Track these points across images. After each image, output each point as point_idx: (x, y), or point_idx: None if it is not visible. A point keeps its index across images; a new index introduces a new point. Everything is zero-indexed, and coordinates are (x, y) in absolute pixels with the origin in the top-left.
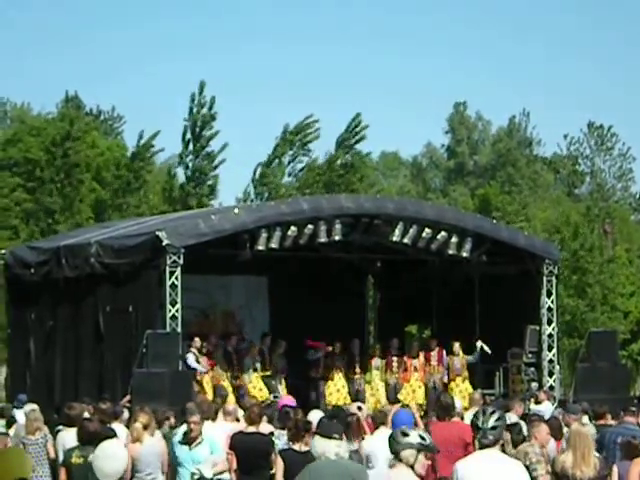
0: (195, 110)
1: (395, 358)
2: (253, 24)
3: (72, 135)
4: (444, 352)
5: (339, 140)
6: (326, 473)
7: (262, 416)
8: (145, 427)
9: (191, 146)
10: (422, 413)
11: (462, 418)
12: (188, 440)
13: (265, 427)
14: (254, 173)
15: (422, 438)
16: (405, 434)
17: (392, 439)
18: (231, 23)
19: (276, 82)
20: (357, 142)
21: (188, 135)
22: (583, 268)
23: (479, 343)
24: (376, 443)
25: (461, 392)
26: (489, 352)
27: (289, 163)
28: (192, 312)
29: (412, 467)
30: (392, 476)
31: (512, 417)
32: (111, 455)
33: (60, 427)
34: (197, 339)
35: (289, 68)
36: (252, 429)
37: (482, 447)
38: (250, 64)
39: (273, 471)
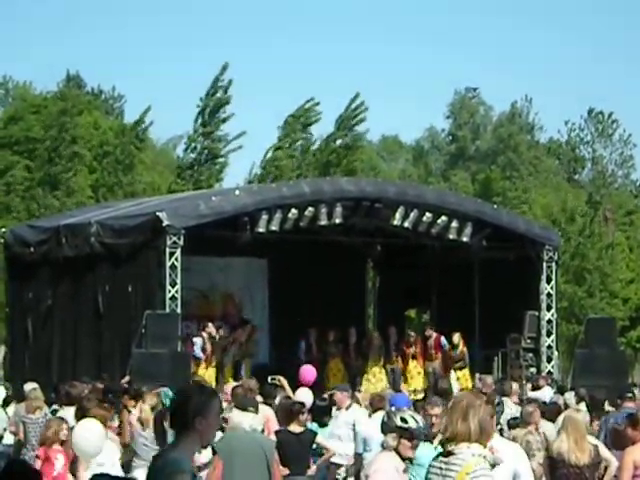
0: (211, 92)
1: (393, 346)
2: (254, 6)
3: (69, 111)
4: (441, 339)
5: (338, 121)
6: (239, 443)
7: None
8: (152, 409)
9: (201, 127)
10: (417, 397)
11: None
12: (431, 437)
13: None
14: (265, 156)
15: (403, 421)
16: (389, 417)
17: (382, 422)
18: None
19: (279, 69)
20: (356, 124)
21: (199, 115)
22: (582, 254)
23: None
24: (373, 427)
25: (459, 379)
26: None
27: (290, 146)
28: (192, 293)
29: (396, 450)
30: (375, 459)
31: (507, 402)
32: (90, 434)
33: (55, 407)
34: (211, 324)
35: (292, 54)
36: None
37: None
38: (253, 49)
39: None
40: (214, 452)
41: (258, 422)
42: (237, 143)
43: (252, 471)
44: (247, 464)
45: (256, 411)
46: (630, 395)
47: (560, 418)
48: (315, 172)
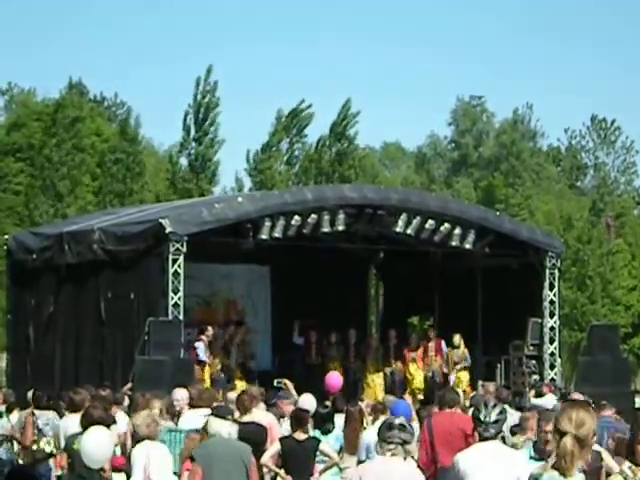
0: (200, 96)
1: (393, 349)
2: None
3: (82, 119)
4: (443, 343)
5: (332, 128)
6: (217, 449)
7: (253, 403)
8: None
9: (193, 132)
10: (420, 397)
11: (462, 409)
12: (546, 455)
13: (260, 415)
14: (247, 161)
15: (391, 426)
16: (382, 424)
17: (397, 428)
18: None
19: (272, 72)
20: (347, 127)
21: (189, 121)
22: (582, 260)
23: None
24: (375, 434)
25: (458, 379)
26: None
27: (287, 151)
28: (194, 300)
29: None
30: (391, 466)
31: (508, 409)
32: (98, 441)
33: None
34: (210, 328)
35: (288, 59)
36: (247, 418)
37: (483, 440)
38: (250, 51)
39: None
40: (193, 459)
41: (235, 429)
42: (220, 137)
43: (231, 477)
44: (226, 470)
45: (233, 419)
46: (604, 402)
47: None
48: (310, 180)
